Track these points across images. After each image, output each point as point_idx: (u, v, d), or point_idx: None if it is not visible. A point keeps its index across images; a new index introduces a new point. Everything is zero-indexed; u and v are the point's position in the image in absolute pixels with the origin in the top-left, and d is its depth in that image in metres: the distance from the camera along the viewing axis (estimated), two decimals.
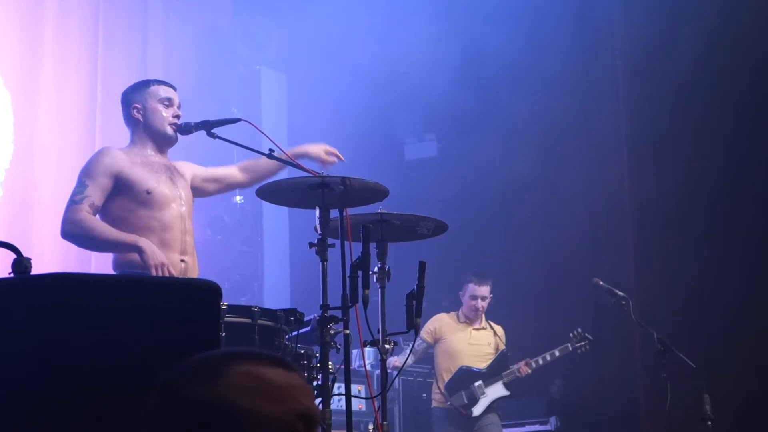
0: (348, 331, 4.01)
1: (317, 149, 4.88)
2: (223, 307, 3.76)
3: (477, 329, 7.52)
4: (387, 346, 4.22)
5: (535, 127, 8.90)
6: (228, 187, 5.16)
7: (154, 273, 4.32)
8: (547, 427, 8.00)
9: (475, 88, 8.80)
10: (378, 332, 4.19)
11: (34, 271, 2.40)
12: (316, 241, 4.05)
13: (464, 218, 8.33)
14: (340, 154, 4.88)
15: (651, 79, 8.21)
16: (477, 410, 7.32)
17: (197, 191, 4.92)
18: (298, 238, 8.12)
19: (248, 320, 3.87)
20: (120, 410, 2.03)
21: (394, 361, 6.81)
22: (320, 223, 4.06)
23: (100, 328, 2.16)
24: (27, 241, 6.07)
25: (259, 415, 1.44)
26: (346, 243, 4.07)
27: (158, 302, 2.28)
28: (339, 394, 4.41)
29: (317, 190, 4.02)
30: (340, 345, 4.03)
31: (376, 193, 4.22)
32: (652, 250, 8.19)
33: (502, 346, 7.59)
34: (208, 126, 4.57)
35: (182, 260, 4.64)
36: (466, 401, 7.29)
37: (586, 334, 7.59)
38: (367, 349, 5.24)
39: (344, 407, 3.98)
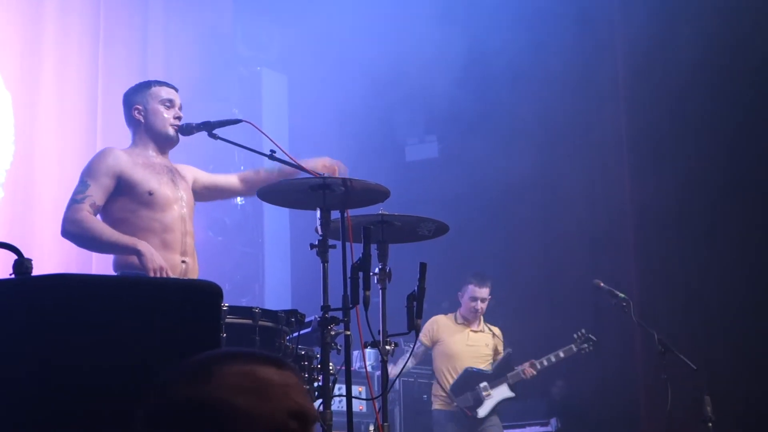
0: (349, 332, 4.01)
1: (315, 164, 4.81)
2: (224, 308, 3.77)
3: (475, 331, 7.51)
4: (388, 347, 4.22)
5: (535, 128, 8.90)
6: (227, 195, 5.18)
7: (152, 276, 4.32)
8: (548, 428, 8.00)
9: (476, 89, 8.80)
10: (379, 333, 4.19)
11: (35, 271, 2.40)
12: (317, 243, 4.05)
13: (465, 219, 8.34)
14: (338, 168, 4.75)
15: (651, 80, 8.21)
16: (482, 412, 7.32)
17: (197, 196, 4.92)
18: (299, 240, 8.12)
19: (249, 321, 3.87)
20: (120, 411, 2.03)
21: (392, 370, 6.83)
22: (321, 225, 4.05)
23: (100, 329, 2.16)
24: (28, 242, 6.07)
25: (250, 413, 1.45)
26: (347, 244, 4.08)
27: (159, 303, 2.28)
28: (340, 395, 4.41)
29: (318, 191, 4.02)
30: (340, 346, 4.03)
31: (377, 194, 4.22)
32: (652, 250, 8.19)
33: (501, 348, 7.59)
34: (209, 127, 4.56)
35: (183, 261, 4.65)
36: (471, 403, 7.29)
37: (590, 336, 7.58)
38: (368, 351, 5.24)
39: (345, 408, 3.97)
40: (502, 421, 7.49)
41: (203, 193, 4.96)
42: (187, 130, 4.68)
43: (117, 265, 4.58)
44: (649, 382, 7.55)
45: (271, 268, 8.80)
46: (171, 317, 2.27)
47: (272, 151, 4.30)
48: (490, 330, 7.60)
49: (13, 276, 2.37)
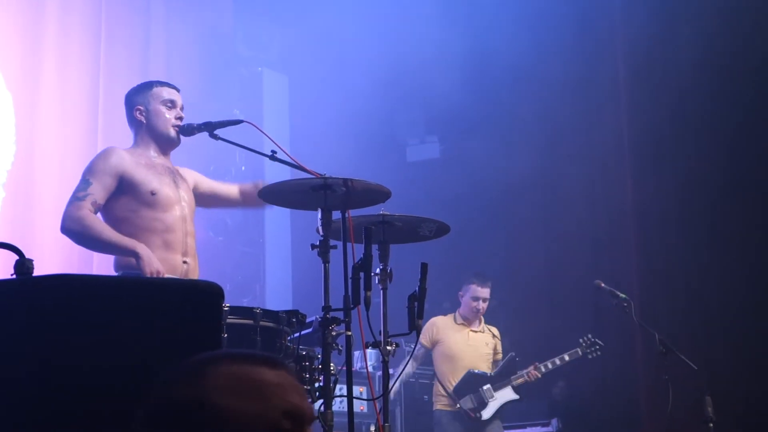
0: (350, 333, 4.00)
1: None
2: (225, 309, 3.77)
3: (475, 331, 7.51)
4: (389, 347, 4.22)
5: (536, 129, 8.90)
6: (225, 204, 5.14)
7: None
8: (549, 428, 8.00)
9: (477, 90, 8.81)
10: (380, 334, 4.19)
11: (36, 272, 2.40)
12: (318, 243, 4.05)
13: (466, 220, 8.34)
14: None
15: (652, 80, 8.21)
16: (486, 414, 7.32)
17: (196, 201, 4.92)
18: (300, 240, 8.12)
19: (250, 322, 3.88)
20: (120, 411, 2.03)
21: (393, 387, 6.92)
22: (322, 225, 4.05)
23: (101, 329, 2.16)
24: (29, 243, 6.07)
25: (242, 413, 1.45)
26: (348, 244, 4.07)
27: (160, 303, 2.28)
28: (340, 396, 4.41)
29: (319, 191, 4.02)
30: (341, 346, 4.03)
31: (378, 194, 4.22)
32: (653, 250, 8.19)
33: (500, 347, 7.59)
34: (210, 127, 4.57)
35: (184, 262, 4.66)
36: (474, 405, 7.29)
37: (597, 340, 7.56)
38: (369, 351, 5.23)
39: (346, 409, 3.97)
40: (503, 422, 7.49)
41: (202, 199, 4.97)
42: (188, 130, 4.68)
43: (118, 266, 4.58)
44: (650, 383, 7.55)
45: (272, 268, 8.80)
46: (172, 317, 2.27)
47: (273, 152, 4.30)
48: (489, 330, 7.60)
49: (14, 276, 2.37)
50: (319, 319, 4.00)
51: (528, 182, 8.81)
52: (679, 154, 8.11)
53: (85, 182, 4.56)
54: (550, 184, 8.93)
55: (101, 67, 7.09)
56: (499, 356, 7.58)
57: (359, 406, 7.09)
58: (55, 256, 6.23)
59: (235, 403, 1.45)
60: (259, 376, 1.49)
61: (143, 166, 4.65)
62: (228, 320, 3.78)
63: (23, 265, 2.37)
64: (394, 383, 6.90)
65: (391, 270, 4.32)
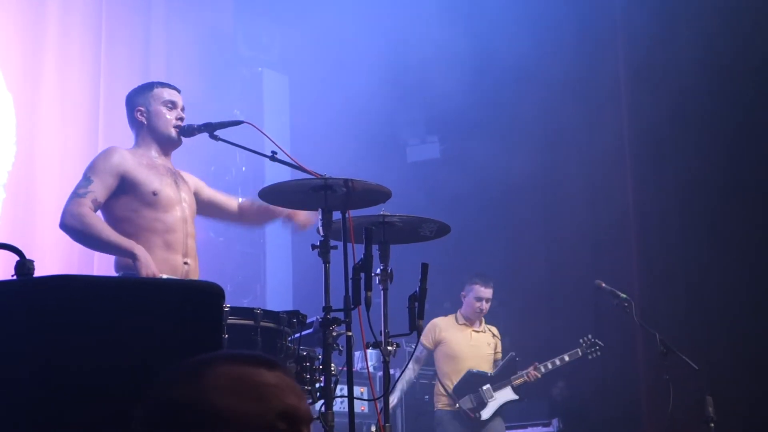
0: (350, 333, 4.00)
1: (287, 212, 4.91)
2: (226, 309, 3.77)
3: (477, 331, 7.51)
4: (389, 347, 4.23)
5: (537, 129, 8.90)
6: (222, 215, 5.09)
7: None
8: (550, 429, 8.00)
9: (478, 90, 8.81)
10: (380, 334, 4.20)
11: (37, 272, 2.40)
12: (318, 243, 4.05)
13: (466, 220, 8.34)
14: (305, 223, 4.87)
15: (652, 81, 8.21)
16: (486, 414, 7.32)
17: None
18: (301, 240, 8.10)
19: (251, 322, 3.88)
20: (121, 412, 2.03)
21: (392, 401, 6.95)
22: (323, 225, 4.06)
23: (102, 330, 2.16)
24: (29, 243, 6.07)
25: (237, 414, 1.45)
26: (349, 245, 4.07)
27: (160, 304, 2.28)
28: (341, 396, 4.41)
29: (320, 191, 4.03)
30: (342, 347, 4.03)
31: (379, 194, 4.22)
32: (653, 251, 8.19)
33: (500, 347, 7.59)
34: (210, 128, 4.57)
35: (185, 263, 4.66)
36: (474, 405, 7.29)
37: (597, 341, 7.56)
38: (370, 351, 5.23)
39: (347, 409, 3.97)
40: (504, 422, 7.49)
41: (201, 207, 4.96)
42: (188, 131, 4.69)
43: (118, 267, 4.58)
44: (651, 383, 7.56)
45: (272, 268, 8.80)
46: (172, 318, 2.27)
47: (273, 152, 4.30)
48: (490, 330, 7.61)
49: (15, 277, 2.37)
50: (320, 320, 4.00)
51: (528, 182, 8.81)
52: (679, 154, 8.12)
53: (86, 180, 4.56)
54: (550, 184, 8.94)
55: (102, 67, 7.09)
56: (499, 356, 7.58)
57: (360, 407, 7.09)
58: (56, 257, 6.24)
59: (232, 404, 1.45)
60: (256, 377, 1.49)
61: (145, 167, 4.66)
62: (228, 321, 3.78)
63: (24, 265, 2.37)
64: (396, 381, 6.91)
65: (391, 270, 4.32)
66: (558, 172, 8.85)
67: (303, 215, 4.87)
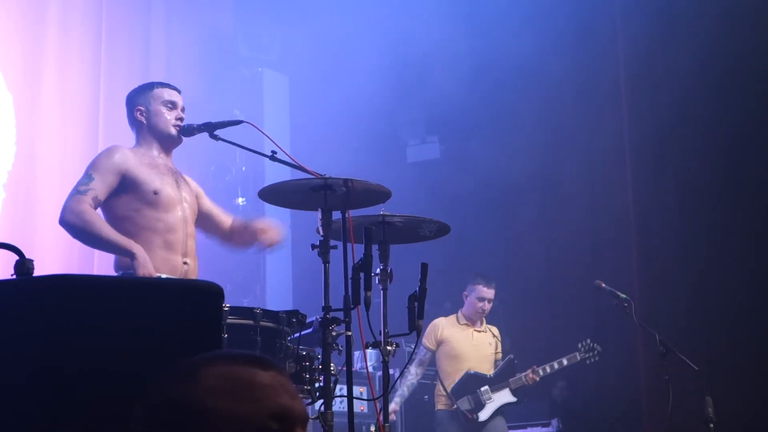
0: (350, 333, 4.01)
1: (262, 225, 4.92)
2: (225, 309, 3.77)
3: (478, 331, 7.51)
4: (389, 347, 4.23)
5: (537, 129, 8.90)
6: (213, 229, 5.04)
7: None
8: (550, 429, 8.00)
9: (478, 90, 8.80)
10: (380, 334, 4.20)
11: (37, 272, 2.40)
12: (318, 243, 4.05)
13: (466, 220, 8.34)
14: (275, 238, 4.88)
15: (652, 82, 8.21)
16: (483, 415, 7.31)
17: None
18: (300, 240, 8.12)
19: (250, 322, 3.88)
20: (120, 412, 2.03)
21: (393, 407, 6.94)
22: (322, 225, 4.06)
23: (101, 329, 2.16)
24: (29, 243, 6.07)
25: (228, 415, 1.45)
26: (348, 245, 4.07)
27: (160, 304, 2.28)
28: (341, 396, 4.41)
29: (320, 191, 4.03)
30: (342, 347, 4.03)
31: (379, 194, 4.22)
32: (653, 251, 8.19)
33: (500, 347, 7.59)
34: (210, 128, 4.57)
35: (184, 262, 4.66)
36: (472, 406, 7.28)
37: (595, 345, 7.55)
38: (369, 351, 5.24)
39: (346, 409, 3.97)
40: (506, 422, 7.48)
41: (197, 216, 4.95)
42: (188, 131, 4.69)
43: (118, 266, 4.58)
44: (651, 383, 7.55)
45: (272, 268, 8.80)
46: (172, 318, 2.27)
47: (273, 152, 4.30)
48: (490, 330, 7.61)
49: (14, 276, 2.37)
50: (320, 320, 4.00)
51: (528, 182, 8.81)
52: (679, 154, 8.11)
53: (87, 177, 4.56)
54: (550, 184, 8.93)
55: (102, 67, 7.09)
56: (499, 356, 7.58)
57: (359, 407, 7.09)
58: (56, 257, 6.24)
59: (225, 405, 1.46)
60: (250, 378, 1.49)
61: (146, 166, 4.66)
62: (228, 320, 3.78)
63: (23, 265, 2.37)
64: (396, 381, 6.91)
65: (391, 270, 4.32)
66: (558, 173, 8.85)
67: (270, 234, 4.86)
